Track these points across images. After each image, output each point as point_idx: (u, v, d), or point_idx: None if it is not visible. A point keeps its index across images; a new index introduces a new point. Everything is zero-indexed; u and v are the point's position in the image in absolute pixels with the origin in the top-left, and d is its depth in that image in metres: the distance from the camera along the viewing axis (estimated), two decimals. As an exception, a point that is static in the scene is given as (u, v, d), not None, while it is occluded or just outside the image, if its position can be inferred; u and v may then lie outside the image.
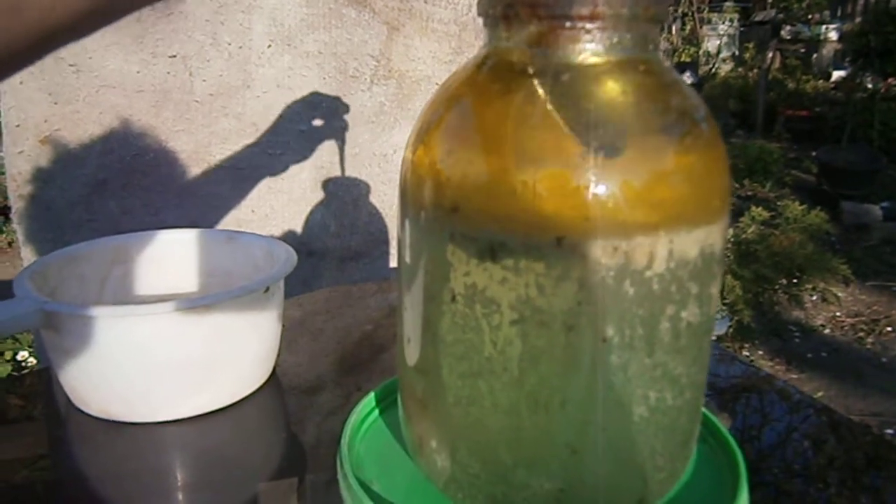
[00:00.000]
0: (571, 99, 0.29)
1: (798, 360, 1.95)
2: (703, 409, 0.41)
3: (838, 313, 2.22)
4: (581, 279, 0.29)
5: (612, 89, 0.30)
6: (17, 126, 0.91)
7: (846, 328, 2.15)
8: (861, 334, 2.10)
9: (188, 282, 0.55)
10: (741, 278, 1.69)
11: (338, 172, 1.10)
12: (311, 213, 1.11)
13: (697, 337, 0.32)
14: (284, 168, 1.05)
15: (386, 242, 1.25)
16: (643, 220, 0.29)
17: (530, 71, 0.30)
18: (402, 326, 0.36)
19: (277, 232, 1.08)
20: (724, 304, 1.84)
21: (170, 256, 0.55)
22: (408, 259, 0.34)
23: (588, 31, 0.30)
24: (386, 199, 1.18)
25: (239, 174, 1.02)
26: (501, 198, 0.29)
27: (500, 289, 0.30)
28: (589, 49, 0.30)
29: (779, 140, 4.72)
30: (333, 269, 1.19)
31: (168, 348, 0.42)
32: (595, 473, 0.32)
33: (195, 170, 0.99)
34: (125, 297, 0.53)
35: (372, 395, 0.45)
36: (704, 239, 0.31)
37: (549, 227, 0.29)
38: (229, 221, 1.04)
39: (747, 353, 1.99)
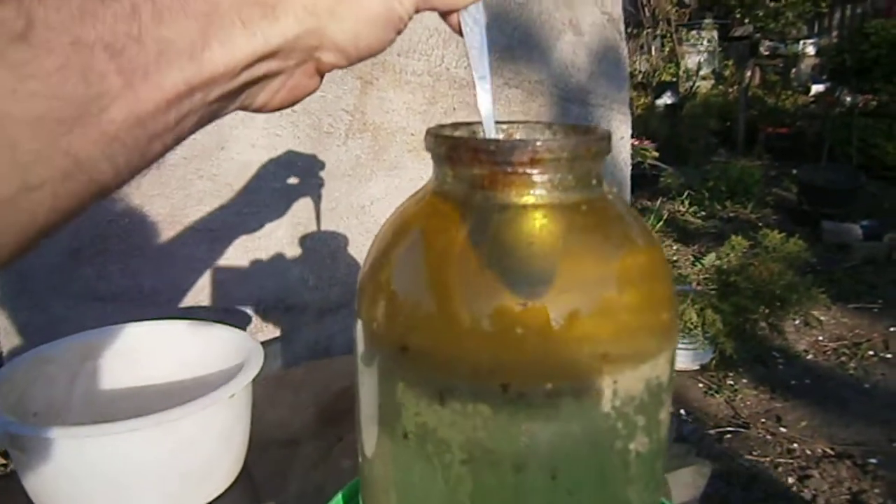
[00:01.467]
0: (510, 243, 0.30)
1: (782, 388, 1.95)
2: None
3: (820, 338, 2.24)
4: (527, 422, 0.29)
5: (551, 232, 0.31)
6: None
7: (829, 353, 2.16)
8: (843, 359, 2.11)
9: (160, 374, 0.55)
10: (721, 312, 1.71)
11: (314, 227, 1.11)
12: (289, 268, 1.11)
13: (648, 463, 0.33)
14: (260, 226, 1.05)
15: (366, 291, 1.25)
16: (585, 362, 0.29)
17: (472, 212, 0.31)
18: (360, 445, 0.36)
19: (256, 289, 1.08)
20: (705, 337, 1.85)
21: (140, 349, 0.55)
22: (361, 387, 0.34)
23: (528, 175, 0.30)
24: (364, 250, 1.17)
25: (215, 235, 1.03)
26: (446, 342, 0.30)
27: (450, 430, 0.30)
28: (530, 192, 0.31)
29: (759, 158, 4.77)
30: (312, 322, 1.19)
31: (130, 463, 0.42)
32: None
33: (171, 233, 1.00)
34: (95, 394, 0.53)
35: (339, 496, 0.45)
36: (650, 372, 0.31)
37: (494, 373, 0.29)
38: (207, 282, 1.04)
39: (731, 383, 2.00)
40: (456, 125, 0.36)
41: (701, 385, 1.98)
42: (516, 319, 0.29)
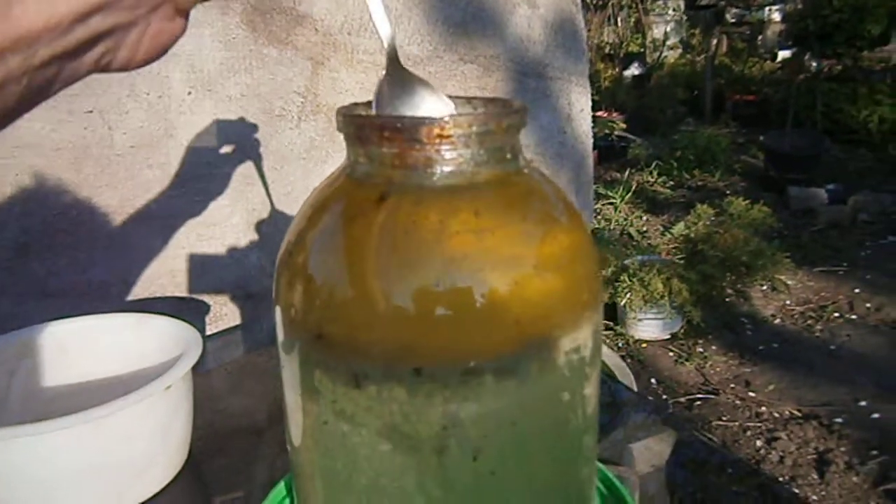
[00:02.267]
0: (421, 223, 0.29)
1: (751, 353, 1.98)
2: (600, 467, 0.41)
3: (788, 302, 2.27)
4: (444, 404, 0.29)
5: (465, 208, 0.30)
6: (-71, 194, 0.88)
7: (796, 316, 2.20)
8: (810, 322, 2.15)
9: (99, 369, 0.54)
10: (688, 281, 1.72)
11: (270, 213, 1.09)
12: (247, 256, 1.10)
13: (574, 439, 0.32)
14: (214, 214, 1.03)
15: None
16: (500, 341, 0.29)
17: (383, 194, 0.30)
18: (287, 434, 0.35)
19: (213, 279, 1.06)
20: (672, 307, 1.86)
21: (78, 345, 0.54)
22: (284, 375, 0.33)
23: (438, 152, 0.29)
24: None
25: (168, 224, 1.00)
26: (360, 327, 0.29)
27: (368, 415, 0.29)
28: (441, 169, 0.30)
29: (727, 126, 4.80)
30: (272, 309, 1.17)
31: (62, 463, 0.41)
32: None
33: (122, 224, 0.97)
34: (33, 392, 0.52)
35: (282, 484, 0.45)
36: (570, 346, 0.31)
37: (407, 356, 0.28)
38: (162, 273, 1.02)
39: (701, 350, 2.02)
40: (370, 103, 0.35)
41: (671, 354, 2.00)
42: (429, 302, 0.28)
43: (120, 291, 0.99)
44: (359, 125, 0.31)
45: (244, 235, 1.09)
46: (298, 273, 0.31)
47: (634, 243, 2.63)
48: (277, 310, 0.33)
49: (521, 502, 0.31)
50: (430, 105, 0.33)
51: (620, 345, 2.07)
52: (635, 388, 0.87)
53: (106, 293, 0.98)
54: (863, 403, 1.68)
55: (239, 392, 0.81)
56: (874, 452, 1.50)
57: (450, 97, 0.36)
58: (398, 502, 0.31)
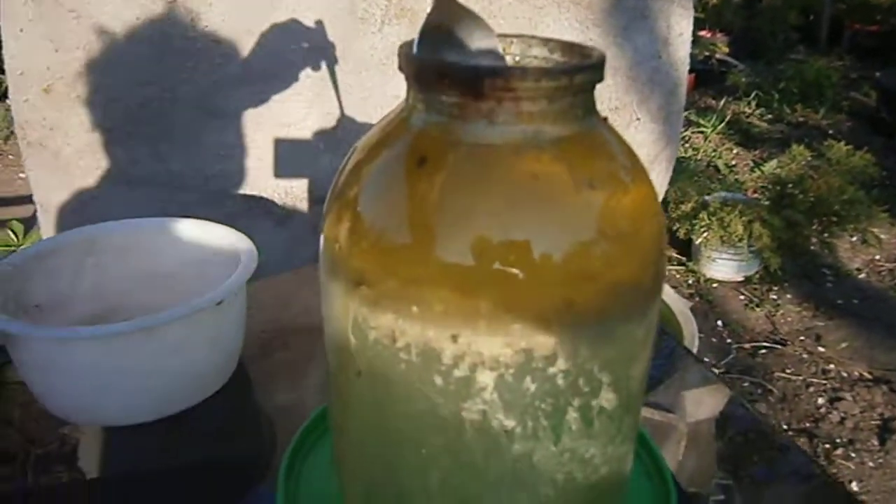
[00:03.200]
0: (479, 180, 0.27)
1: (827, 307, 1.89)
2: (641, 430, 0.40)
3: (877, 257, 2.14)
4: (479, 375, 0.28)
5: (528, 169, 0.28)
6: (21, 74, 0.91)
7: (884, 273, 2.07)
8: (898, 280, 2.02)
9: (162, 269, 0.56)
10: (770, 226, 1.63)
11: (346, 118, 1.08)
12: (320, 159, 1.10)
13: (616, 419, 0.31)
14: (290, 115, 1.03)
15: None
16: (549, 312, 0.27)
17: (439, 144, 0.28)
18: (327, 366, 0.35)
19: (282, 182, 1.07)
20: (750, 251, 1.78)
21: (143, 245, 0.55)
22: (323, 303, 0.33)
23: (500, 105, 0.27)
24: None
25: (244, 122, 1.01)
26: (402, 283, 0.28)
27: (402, 373, 0.29)
28: (503, 123, 0.27)
29: (841, 59, 4.42)
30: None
31: (116, 365, 0.42)
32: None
33: (200, 118, 0.98)
34: (100, 287, 0.54)
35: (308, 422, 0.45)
36: (623, 328, 0.29)
37: (447, 321, 0.27)
38: (236, 170, 1.03)
39: (774, 297, 1.94)
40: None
41: (742, 297, 1.93)
42: (473, 263, 0.27)
43: (197, 184, 1.01)
44: (419, 67, 0.29)
45: (318, 138, 1.09)
46: (347, 211, 0.30)
47: (720, 177, 2.51)
48: (322, 240, 0.32)
49: (549, 474, 0.30)
50: (480, 44, 0.30)
51: (690, 282, 2.01)
52: (697, 337, 0.85)
53: (183, 184, 1.01)
54: (940, 373, 1.59)
55: (303, 294, 0.82)
56: (943, 425, 1.43)
57: (525, 37, 0.34)
58: (422, 466, 0.30)
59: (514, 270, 0.27)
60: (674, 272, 2.07)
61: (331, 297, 0.31)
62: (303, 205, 1.11)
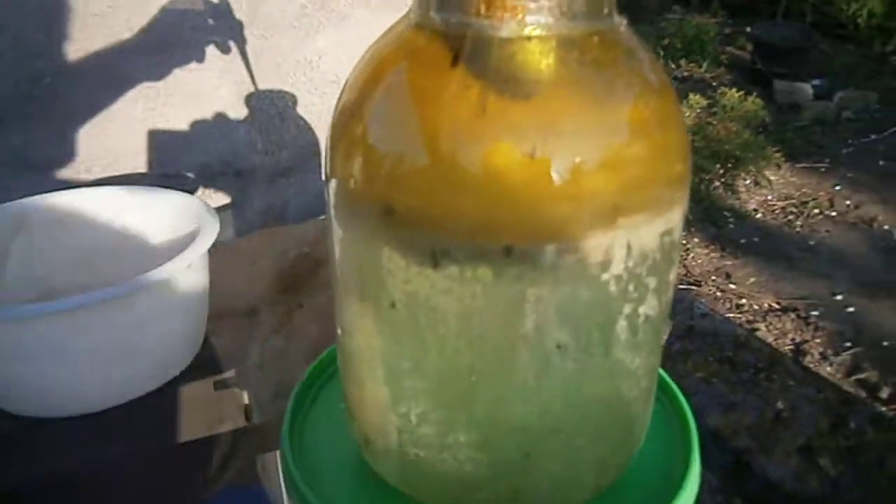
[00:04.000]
0: (510, 81, 0.25)
1: (732, 247, 2.00)
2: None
3: (770, 197, 2.27)
4: (533, 287, 0.26)
5: (558, 69, 0.26)
6: None
7: (777, 212, 2.21)
8: (791, 217, 2.16)
9: (102, 244, 0.50)
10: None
11: (260, 86, 1.02)
12: (235, 130, 1.04)
13: (656, 327, 0.30)
14: (201, 85, 0.97)
15: (317, 155, 1.19)
16: (597, 218, 0.26)
17: (462, 46, 0.26)
18: (337, 316, 0.33)
19: (200, 154, 1.01)
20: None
21: (78, 217, 0.49)
22: (337, 252, 0.30)
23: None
24: (314, 110, 1.11)
25: (151, 95, 0.94)
26: (439, 200, 0.26)
27: (445, 298, 0.27)
28: (531, 19, 0.25)
29: (715, 15, 4.65)
30: (263, 187, 1.13)
31: (81, 343, 0.38)
32: (551, 474, 0.30)
33: (102, 93, 0.90)
34: (31, 268, 0.48)
35: (311, 368, 0.42)
36: (664, 227, 0.28)
37: (496, 234, 0.25)
38: (146, 147, 0.96)
39: (684, 242, 2.03)
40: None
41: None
42: (520, 171, 0.25)
43: (107, 164, 0.93)
44: (439, -38, 0.26)
45: (232, 109, 1.03)
46: (360, 141, 0.27)
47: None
48: (332, 183, 0.29)
49: (599, 389, 0.29)
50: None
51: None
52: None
53: (90, 167, 0.93)
54: (839, 297, 1.72)
55: (231, 273, 0.78)
56: (847, 344, 1.55)
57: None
58: (467, 390, 0.28)
59: (563, 178, 0.25)
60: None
61: (351, 237, 0.29)
62: (221, 179, 1.05)
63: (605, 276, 0.27)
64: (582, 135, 0.26)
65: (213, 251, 0.86)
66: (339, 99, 0.30)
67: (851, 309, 1.68)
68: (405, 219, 0.26)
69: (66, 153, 0.91)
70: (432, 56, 0.27)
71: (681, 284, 1.82)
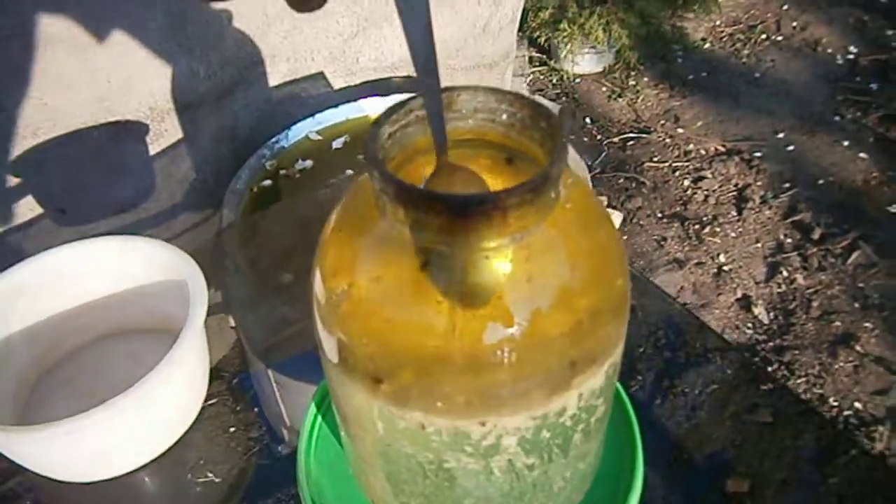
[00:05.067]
0: (472, 294, 0.29)
1: (680, 85, 2.01)
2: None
3: (718, 22, 2.25)
4: (504, 440, 0.32)
5: (521, 268, 0.30)
6: None
7: (725, 39, 2.20)
8: (738, 45, 2.16)
9: (98, 290, 0.54)
10: (628, 26, 1.67)
11: (192, 9, 0.98)
12: (175, 65, 1.00)
13: (607, 418, 0.37)
14: (127, 23, 0.92)
15: (261, 63, 1.16)
16: (557, 382, 0.31)
17: (431, 259, 0.29)
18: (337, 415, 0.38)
19: (142, 98, 0.98)
20: (610, 50, 1.83)
21: (75, 270, 0.52)
22: (337, 396, 0.35)
23: (486, 225, 0.28)
24: (257, 18, 1.07)
25: (78, 45, 0.89)
26: (419, 384, 0.31)
27: (432, 449, 0.32)
28: (492, 234, 0.29)
29: None
30: (213, 111, 1.11)
31: (110, 437, 0.43)
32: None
33: (26, 48, 0.86)
34: (36, 327, 0.51)
35: (311, 407, 0.48)
36: (610, 364, 0.34)
37: (473, 412, 0.31)
38: (86, 99, 0.93)
39: (633, 83, 2.04)
40: (401, 108, 0.31)
41: (604, 89, 2.02)
42: (490, 365, 0.30)
43: (49, 127, 0.91)
44: (396, 190, 0.29)
45: (167, 43, 0.98)
46: (342, 308, 0.31)
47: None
48: (322, 343, 0.34)
49: (560, 475, 0.36)
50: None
51: (554, 81, 2.07)
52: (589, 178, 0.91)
53: (35, 130, 0.91)
54: (780, 135, 1.78)
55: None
56: (786, 185, 1.64)
57: (471, 89, 0.33)
58: (458, 499, 0.35)
59: (528, 353, 0.30)
60: (537, 73, 2.11)
61: (347, 389, 0.33)
62: (171, 117, 1.03)
63: (562, 419, 0.32)
64: (540, 315, 0.30)
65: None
66: (321, 260, 0.33)
67: (791, 147, 1.75)
68: (391, 392, 0.31)
69: (8, 120, 0.88)
70: (402, 256, 0.30)
71: (631, 132, 1.86)
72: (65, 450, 0.43)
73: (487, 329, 0.29)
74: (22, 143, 0.90)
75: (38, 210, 0.97)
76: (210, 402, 0.55)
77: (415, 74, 0.29)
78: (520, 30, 1.40)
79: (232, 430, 0.55)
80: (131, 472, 0.48)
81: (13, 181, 0.93)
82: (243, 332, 0.73)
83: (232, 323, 0.80)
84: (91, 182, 1.00)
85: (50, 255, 0.51)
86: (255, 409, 0.58)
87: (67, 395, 0.52)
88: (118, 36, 0.92)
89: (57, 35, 0.87)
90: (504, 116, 0.34)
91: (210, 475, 0.51)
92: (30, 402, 0.51)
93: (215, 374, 0.57)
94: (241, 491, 0.51)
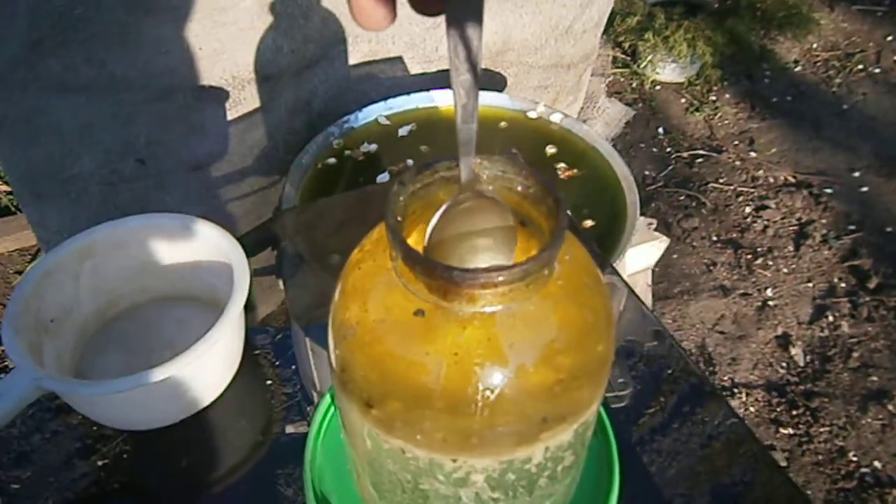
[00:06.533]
0: (468, 351, 0.33)
1: (762, 106, 1.96)
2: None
3: (815, 45, 2.18)
4: (472, 476, 0.36)
5: (506, 336, 0.34)
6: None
7: (818, 64, 2.13)
8: (831, 72, 2.09)
9: (155, 259, 0.60)
10: (714, 44, 1.64)
11: (285, -8, 1.03)
12: (262, 39, 1.06)
13: (576, 465, 0.41)
14: (224, 1, 0.98)
15: (343, 42, 1.22)
16: (525, 435, 0.35)
17: (423, 311, 0.34)
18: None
19: (229, 65, 1.05)
20: (692, 64, 1.79)
21: (135, 240, 0.59)
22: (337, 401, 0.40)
23: (482, 294, 0.32)
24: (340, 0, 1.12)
25: (177, 14, 0.96)
26: (409, 417, 0.35)
27: (411, 470, 0.37)
28: (482, 303, 0.33)
29: None
30: (292, 83, 1.17)
31: (161, 396, 0.50)
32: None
33: (130, 16, 0.93)
34: (98, 287, 0.58)
35: (327, 396, 0.54)
36: (581, 423, 0.37)
37: (447, 448, 0.35)
38: (179, 64, 1.00)
39: (714, 98, 2.01)
40: (425, 170, 0.36)
41: (683, 100, 1.99)
42: (463, 399, 0.34)
43: (142, 84, 0.98)
44: (404, 253, 0.33)
45: (258, 19, 1.04)
46: (347, 337, 0.36)
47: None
48: (333, 357, 0.38)
49: (526, 513, 0.40)
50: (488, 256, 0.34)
51: (634, 85, 2.05)
52: (638, 207, 0.92)
53: (129, 86, 0.98)
54: (856, 174, 1.73)
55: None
56: (851, 227, 1.60)
57: (493, 159, 0.37)
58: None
59: (503, 406, 0.34)
60: (618, 75, 2.10)
61: (345, 405, 0.38)
62: (251, 87, 1.10)
63: (527, 466, 0.37)
64: (517, 378, 0.34)
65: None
66: (337, 301, 0.38)
67: (865, 188, 1.70)
68: (379, 417, 0.36)
69: (105, 74, 0.96)
70: (404, 302, 0.35)
71: (702, 150, 1.83)
72: (117, 403, 0.50)
73: (469, 380, 0.34)
74: (116, 97, 0.98)
75: (121, 159, 1.05)
76: (255, 352, 0.62)
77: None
78: (605, 32, 1.40)
79: (269, 383, 0.61)
80: (172, 425, 0.55)
81: (104, 131, 1.01)
82: (289, 299, 0.79)
83: (281, 286, 0.87)
84: (171, 138, 1.07)
85: (119, 225, 0.58)
86: (293, 367, 0.63)
87: (118, 350, 0.59)
88: (214, 10, 0.99)
89: (156, 5, 0.94)
90: (519, 188, 0.37)
91: (244, 423, 0.57)
92: (86, 351, 0.58)
93: (262, 327, 0.62)
94: (267, 445, 0.57)
